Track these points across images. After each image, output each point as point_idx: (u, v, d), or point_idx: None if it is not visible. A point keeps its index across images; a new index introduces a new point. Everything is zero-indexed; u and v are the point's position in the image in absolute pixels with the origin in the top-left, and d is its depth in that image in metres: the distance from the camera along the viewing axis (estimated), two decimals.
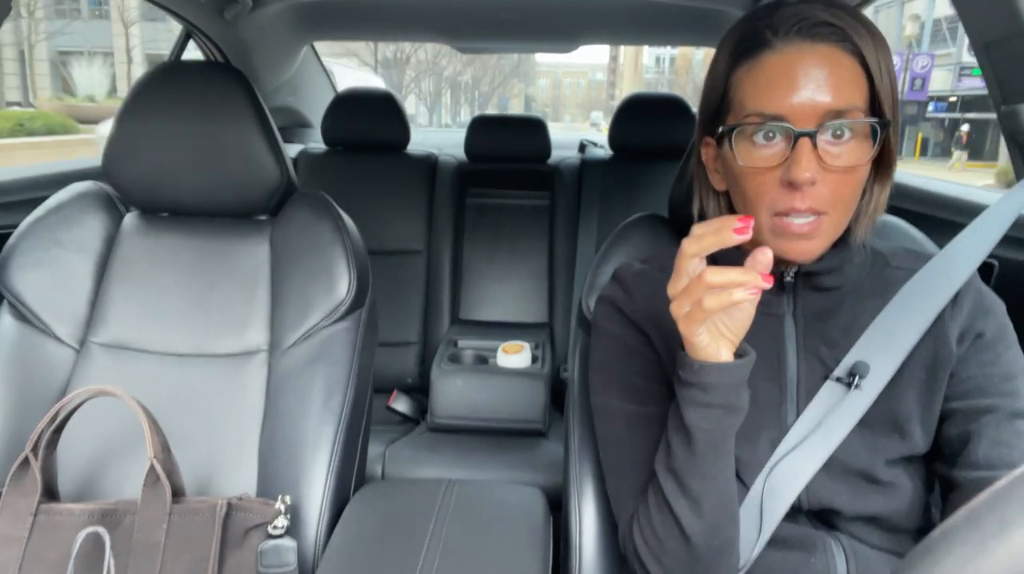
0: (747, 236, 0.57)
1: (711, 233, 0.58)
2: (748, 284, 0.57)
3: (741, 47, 0.67)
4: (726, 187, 0.74)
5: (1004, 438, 0.66)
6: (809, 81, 0.63)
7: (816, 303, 0.74)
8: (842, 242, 0.72)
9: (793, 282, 0.74)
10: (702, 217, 0.79)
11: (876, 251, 0.78)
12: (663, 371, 0.76)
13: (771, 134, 0.65)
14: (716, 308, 0.57)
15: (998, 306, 0.74)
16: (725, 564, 0.68)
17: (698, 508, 0.65)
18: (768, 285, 0.57)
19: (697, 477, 0.65)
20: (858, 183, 0.67)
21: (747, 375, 0.63)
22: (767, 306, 0.75)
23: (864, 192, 0.70)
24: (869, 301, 0.74)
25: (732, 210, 0.77)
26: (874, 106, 0.65)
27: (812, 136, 0.62)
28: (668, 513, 0.67)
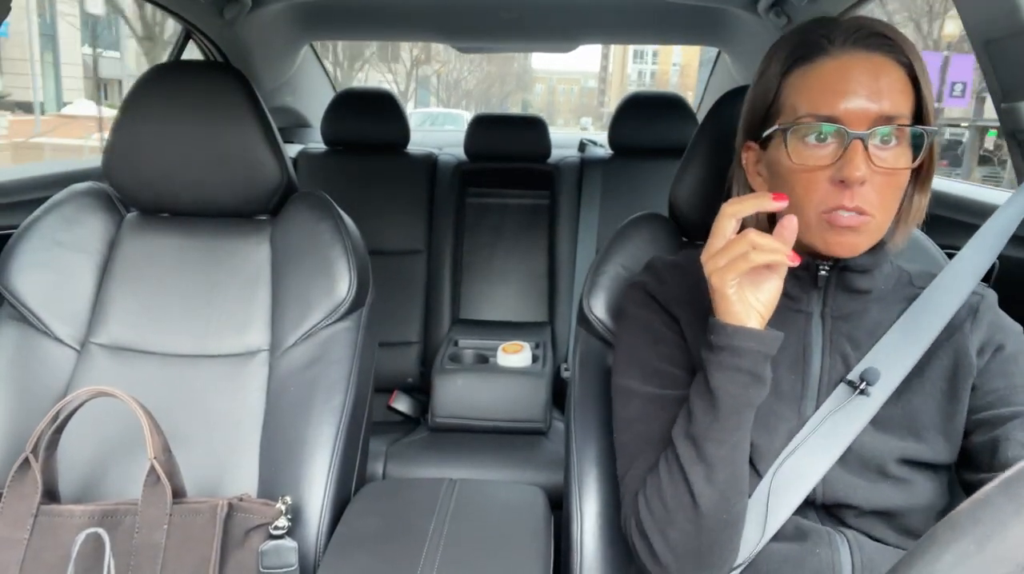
0: (784, 203, 0.64)
1: (751, 198, 0.64)
2: (787, 253, 0.63)
3: (796, 53, 0.70)
4: (766, 190, 0.76)
5: None
6: (862, 87, 0.66)
7: (845, 305, 0.76)
8: (878, 246, 0.75)
9: (827, 279, 0.75)
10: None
11: (903, 269, 0.81)
12: (687, 358, 0.78)
13: (823, 136, 0.67)
14: (763, 262, 0.62)
15: (1016, 327, 0.76)
16: (727, 543, 0.69)
17: (712, 475, 0.67)
18: (796, 263, 0.64)
19: (715, 442, 0.67)
20: (901, 188, 0.69)
21: (774, 350, 0.66)
22: (797, 302, 0.77)
23: (903, 200, 0.73)
24: (893, 312, 0.77)
25: (772, 213, 0.79)
26: (919, 115, 0.69)
27: (864, 139, 0.65)
28: (681, 480, 0.68)
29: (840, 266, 0.74)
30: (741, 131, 0.78)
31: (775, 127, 0.70)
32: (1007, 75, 0.91)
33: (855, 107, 0.66)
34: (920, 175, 0.73)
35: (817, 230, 0.69)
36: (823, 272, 0.75)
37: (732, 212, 0.65)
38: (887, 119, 0.66)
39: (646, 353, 0.79)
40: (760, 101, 0.74)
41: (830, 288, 0.76)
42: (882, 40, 0.68)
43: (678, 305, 0.80)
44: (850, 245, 0.68)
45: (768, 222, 0.80)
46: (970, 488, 0.73)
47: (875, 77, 0.66)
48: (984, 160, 13.85)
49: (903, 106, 0.67)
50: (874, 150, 0.66)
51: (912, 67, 0.68)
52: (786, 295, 0.76)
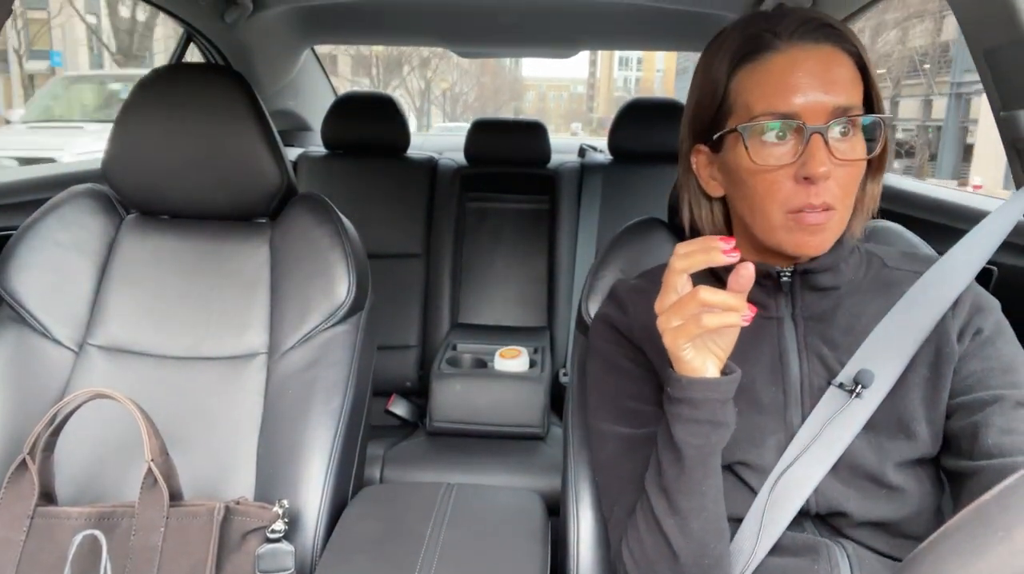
0: (734, 258, 0.59)
1: (699, 251, 0.60)
2: (742, 312, 0.59)
3: (743, 51, 0.69)
4: (723, 193, 0.75)
5: (1012, 426, 0.66)
6: (816, 80, 0.65)
7: (815, 304, 0.75)
8: (837, 242, 0.74)
9: (790, 283, 0.74)
10: (693, 226, 0.80)
11: (871, 253, 0.79)
12: (655, 391, 0.76)
13: (782, 134, 0.66)
14: (715, 326, 0.59)
15: (994, 304, 0.75)
16: None
17: (686, 526, 0.66)
18: (751, 316, 0.60)
19: (686, 494, 0.66)
20: (859, 179, 0.69)
21: (733, 392, 0.64)
22: (766, 310, 0.75)
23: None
24: (869, 302, 0.75)
25: (728, 216, 0.78)
26: (869, 104, 0.68)
27: (823, 133, 0.65)
28: (657, 532, 0.67)
29: (801, 270, 0.73)
30: (688, 134, 0.76)
31: (730, 128, 0.69)
32: (1006, 84, 0.92)
33: (811, 101, 0.65)
34: (873, 164, 0.72)
35: (784, 232, 0.68)
36: (785, 278, 0.74)
37: (681, 268, 0.61)
38: (842, 110, 0.65)
39: (614, 392, 0.78)
40: (707, 101, 0.71)
41: (796, 289, 0.74)
42: (829, 31, 0.67)
43: (642, 335, 0.78)
44: (817, 245, 0.68)
45: (725, 223, 0.79)
46: (952, 475, 0.71)
47: (826, 68, 0.65)
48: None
49: (855, 96, 0.66)
50: (833, 143, 0.65)
51: (860, 56, 0.67)
52: (754, 304, 0.76)
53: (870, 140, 0.68)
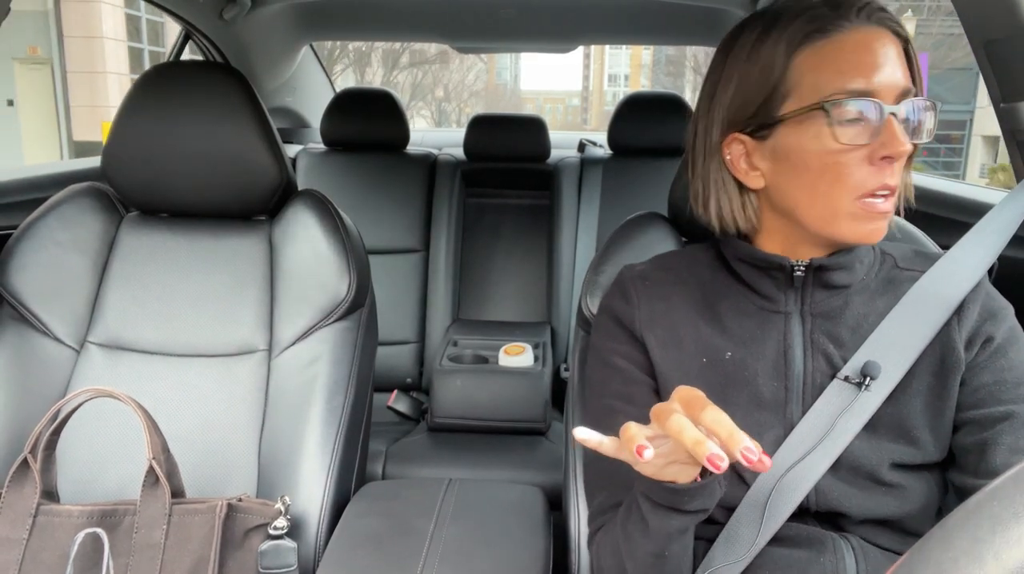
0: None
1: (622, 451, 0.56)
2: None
3: (807, 28, 0.66)
4: (764, 184, 0.71)
5: (1022, 445, 0.66)
6: (887, 60, 0.64)
7: (824, 302, 0.74)
8: None
9: (803, 278, 0.73)
10: (721, 221, 0.75)
11: (884, 252, 0.78)
12: (645, 394, 0.76)
13: (858, 114, 0.64)
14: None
15: (1007, 309, 0.73)
16: None
17: (643, 569, 0.67)
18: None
19: (648, 551, 0.66)
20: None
21: (705, 492, 0.60)
22: (775, 303, 0.75)
23: None
24: (877, 301, 0.74)
25: (762, 210, 0.75)
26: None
27: (896, 113, 0.64)
28: (617, 562, 0.69)
29: (816, 266, 0.72)
30: (723, 123, 0.71)
31: (805, 107, 0.65)
32: (1006, 75, 0.91)
33: (886, 80, 0.64)
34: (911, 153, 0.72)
35: (850, 219, 0.66)
36: (799, 273, 0.73)
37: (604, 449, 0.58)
38: (908, 92, 0.65)
39: (606, 390, 0.78)
40: (759, 85, 0.68)
41: (807, 286, 0.73)
42: (884, 15, 0.66)
43: (646, 326, 0.77)
44: (880, 231, 0.67)
45: (751, 213, 0.74)
46: (958, 491, 0.71)
47: (892, 50, 0.65)
48: None
49: (911, 80, 0.66)
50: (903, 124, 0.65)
51: (908, 42, 0.67)
52: (763, 296, 0.75)
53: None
